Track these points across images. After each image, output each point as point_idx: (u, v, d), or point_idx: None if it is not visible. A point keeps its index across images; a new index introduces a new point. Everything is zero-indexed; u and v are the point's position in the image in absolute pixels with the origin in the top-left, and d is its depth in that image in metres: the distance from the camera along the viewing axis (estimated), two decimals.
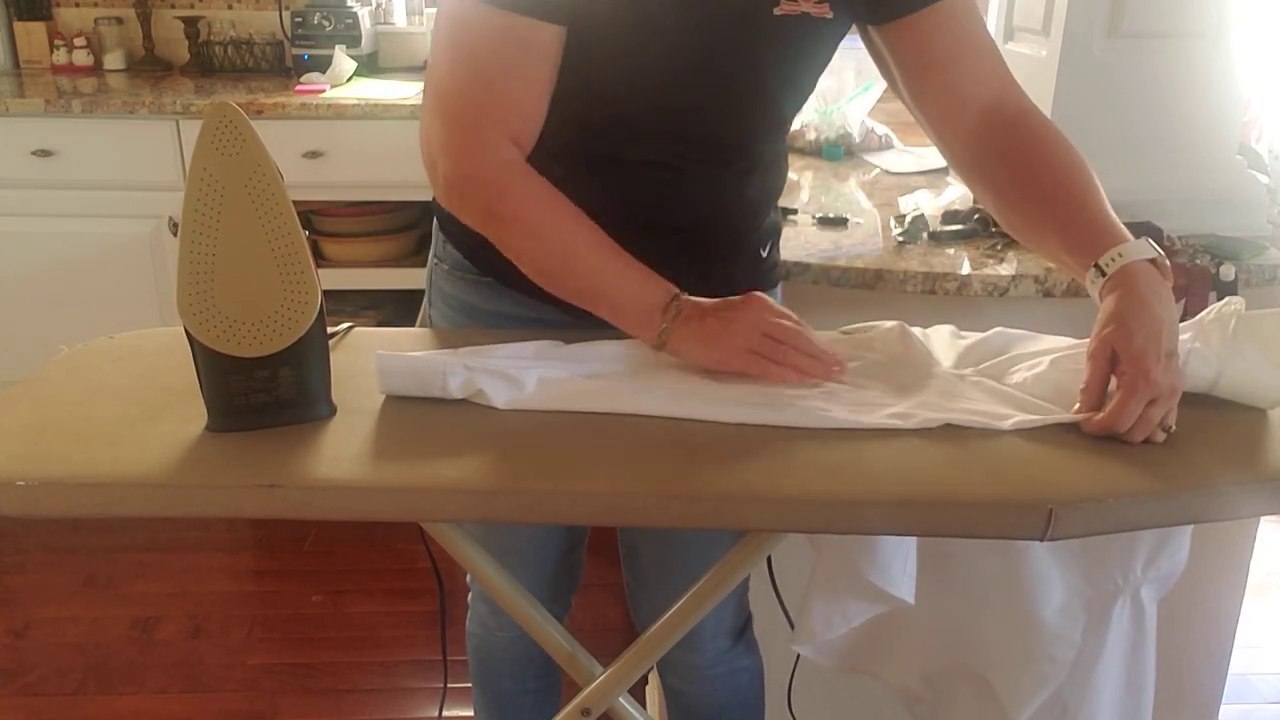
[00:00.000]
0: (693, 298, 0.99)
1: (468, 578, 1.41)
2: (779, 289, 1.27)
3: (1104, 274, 0.92)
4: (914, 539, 0.98)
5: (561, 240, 1.00)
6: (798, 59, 1.07)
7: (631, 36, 1.00)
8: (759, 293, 1.00)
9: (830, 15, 1.02)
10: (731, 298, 0.99)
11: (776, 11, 1.00)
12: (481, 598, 1.40)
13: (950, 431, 0.90)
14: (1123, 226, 0.96)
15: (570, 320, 1.14)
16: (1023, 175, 1.03)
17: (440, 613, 1.24)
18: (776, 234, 1.24)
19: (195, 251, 0.85)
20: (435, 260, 1.23)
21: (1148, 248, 0.93)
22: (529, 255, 1.02)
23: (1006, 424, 0.90)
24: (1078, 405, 0.90)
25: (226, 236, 0.85)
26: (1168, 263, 0.93)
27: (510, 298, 1.15)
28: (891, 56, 1.08)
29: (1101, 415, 0.88)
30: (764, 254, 1.21)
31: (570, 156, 1.06)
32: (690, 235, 1.12)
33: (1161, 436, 0.88)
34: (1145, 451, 0.87)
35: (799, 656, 1.11)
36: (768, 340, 0.95)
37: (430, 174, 1.05)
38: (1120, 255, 0.92)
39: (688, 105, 1.05)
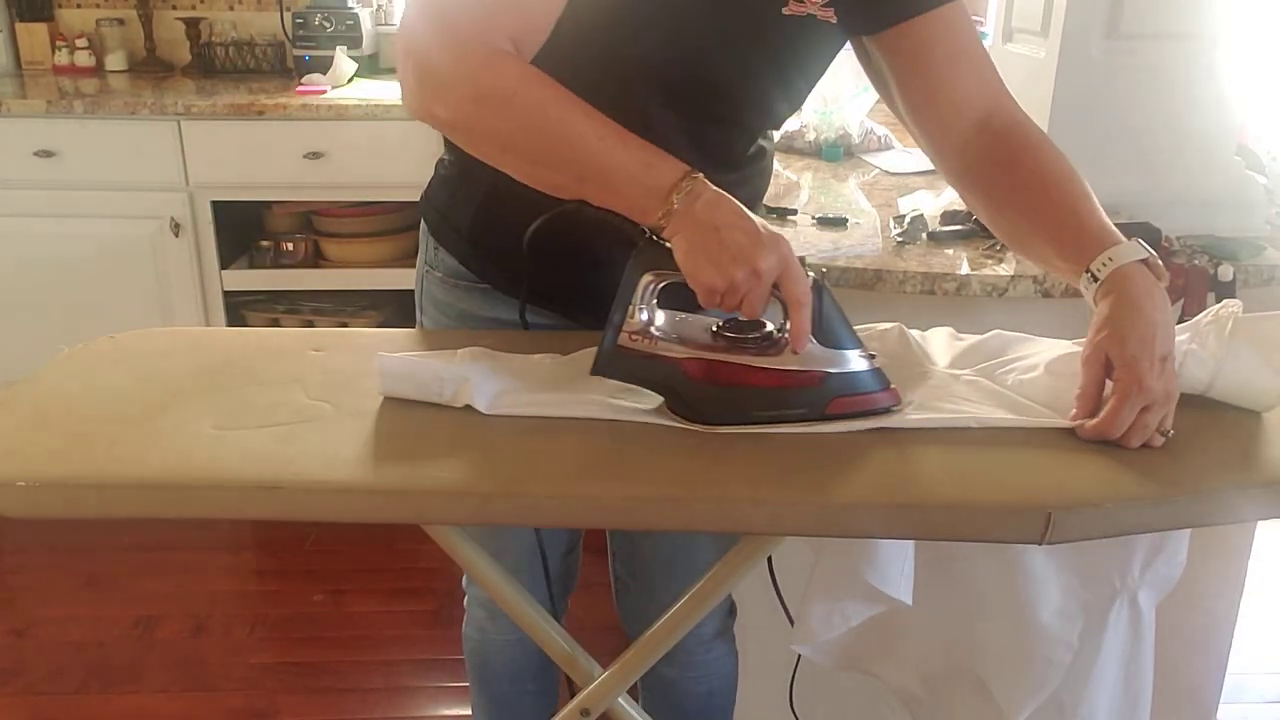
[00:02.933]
0: (708, 184, 0.89)
1: (463, 582, 1.41)
2: None
3: (1096, 279, 0.92)
4: (912, 541, 0.98)
5: (560, 115, 0.91)
6: (795, 62, 1.07)
7: (636, 14, 1.00)
8: (787, 241, 0.89)
9: (834, 20, 1.02)
10: (759, 224, 0.88)
11: (785, 11, 1.00)
12: (478, 602, 1.40)
13: (948, 434, 0.89)
14: (1114, 228, 0.95)
15: (567, 324, 1.14)
16: (1014, 181, 1.03)
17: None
18: None
19: None
20: (427, 268, 1.22)
21: (1139, 249, 0.92)
22: (520, 137, 0.93)
23: (1002, 425, 0.90)
24: (1073, 411, 0.90)
25: None
26: (1159, 262, 0.93)
27: (506, 304, 1.14)
28: (887, 63, 1.07)
29: (1095, 422, 0.88)
30: None
31: None
32: None
33: (1160, 441, 0.88)
34: (1142, 455, 0.87)
35: (801, 655, 1.12)
36: (756, 284, 0.86)
37: (402, 73, 0.95)
38: (1111, 260, 0.91)
39: (681, 98, 1.04)
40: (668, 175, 0.89)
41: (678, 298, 0.91)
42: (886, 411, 0.91)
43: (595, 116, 0.91)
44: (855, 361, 0.90)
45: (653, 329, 0.91)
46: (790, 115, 1.15)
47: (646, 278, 0.90)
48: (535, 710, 1.47)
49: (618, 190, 0.91)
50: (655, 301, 0.92)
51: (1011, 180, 1.03)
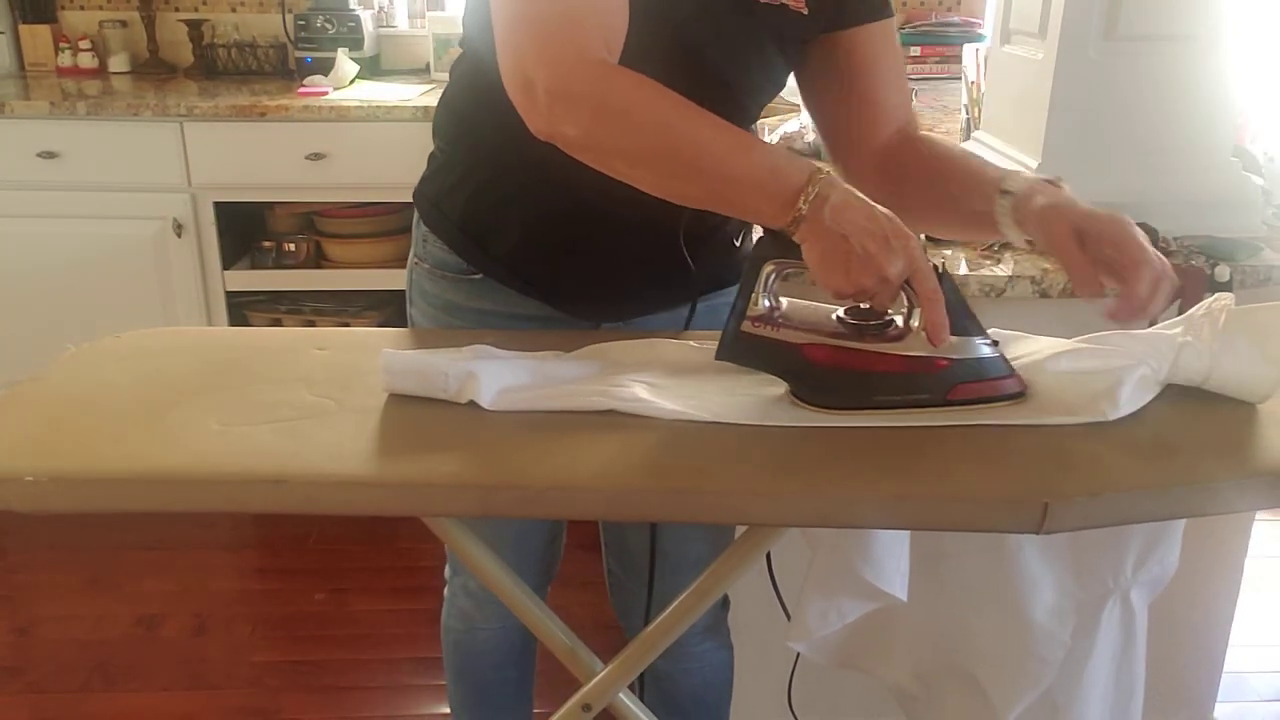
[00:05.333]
0: (835, 182, 0.88)
1: (445, 572, 1.42)
2: None
3: (1012, 192, 0.95)
4: (907, 537, 0.99)
5: (682, 126, 0.91)
6: (766, 52, 1.09)
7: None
8: (915, 238, 0.88)
9: (806, 11, 1.06)
10: (886, 226, 0.86)
11: None
12: (465, 593, 1.40)
13: (946, 426, 0.90)
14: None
15: (556, 315, 1.15)
16: (926, 170, 1.11)
17: None
18: (749, 225, 1.27)
19: None
20: (415, 260, 1.24)
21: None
22: (646, 152, 0.92)
23: (1009, 421, 0.91)
24: (1071, 286, 0.93)
25: None
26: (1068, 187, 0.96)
27: (494, 295, 1.16)
28: (835, 64, 1.13)
29: (1120, 305, 0.90)
30: (736, 244, 1.24)
31: (538, 152, 1.00)
32: (668, 227, 1.12)
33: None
34: (1139, 446, 0.87)
35: (799, 653, 1.12)
36: (884, 288, 0.87)
37: (524, 100, 0.93)
38: (1020, 176, 0.95)
39: (683, 79, 1.04)
40: (794, 180, 0.88)
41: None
42: (1012, 397, 0.92)
43: (719, 125, 0.91)
44: (978, 348, 0.91)
45: (775, 315, 0.93)
46: (773, 99, 1.19)
47: (769, 267, 0.92)
48: (516, 696, 1.49)
49: (745, 201, 0.91)
50: (777, 289, 0.93)
51: (923, 170, 1.11)
